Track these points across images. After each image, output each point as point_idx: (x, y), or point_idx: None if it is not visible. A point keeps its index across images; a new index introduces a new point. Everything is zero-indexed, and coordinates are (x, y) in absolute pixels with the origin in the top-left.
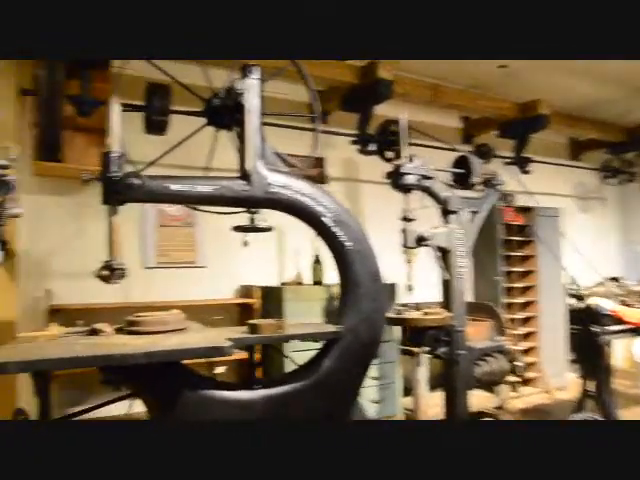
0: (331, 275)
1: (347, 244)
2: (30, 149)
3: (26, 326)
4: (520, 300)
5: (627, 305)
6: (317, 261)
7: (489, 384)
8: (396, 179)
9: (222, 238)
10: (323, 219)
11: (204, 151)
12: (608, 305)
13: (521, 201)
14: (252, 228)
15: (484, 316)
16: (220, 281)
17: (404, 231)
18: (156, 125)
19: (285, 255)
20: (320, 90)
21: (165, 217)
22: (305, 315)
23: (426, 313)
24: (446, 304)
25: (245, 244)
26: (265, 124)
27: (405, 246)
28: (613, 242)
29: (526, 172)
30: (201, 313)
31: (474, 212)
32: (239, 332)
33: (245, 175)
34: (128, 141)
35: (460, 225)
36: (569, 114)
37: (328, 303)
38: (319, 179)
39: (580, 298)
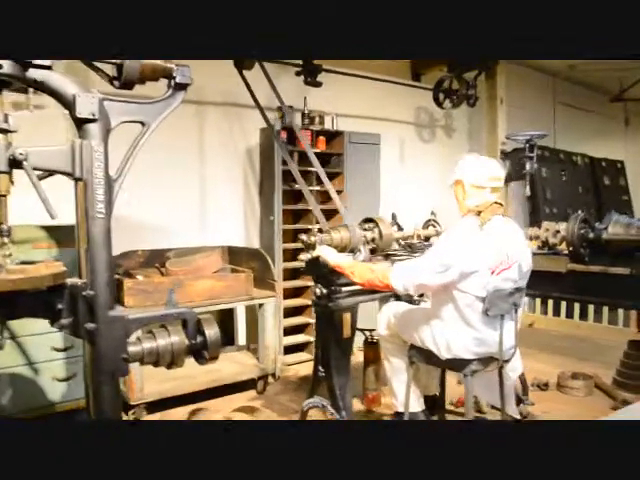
0: None
1: None
2: None
3: None
4: None
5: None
6: None
7: (159, 365)
8: None
9: None
10: None
11: None
12: (333, 256)
13: (328, 124)
14: None
15: (248, 266)
16: None
17: None
18: None
19: None
20: None
21: None
22: None
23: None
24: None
25: None
26: None
27: None
28: None
29: (316, 84)
30: None
31: (142, 123)
32: None
33: None
34: None
35: (101, 141)
36: None
37: None
38: None
39: (310, 247)
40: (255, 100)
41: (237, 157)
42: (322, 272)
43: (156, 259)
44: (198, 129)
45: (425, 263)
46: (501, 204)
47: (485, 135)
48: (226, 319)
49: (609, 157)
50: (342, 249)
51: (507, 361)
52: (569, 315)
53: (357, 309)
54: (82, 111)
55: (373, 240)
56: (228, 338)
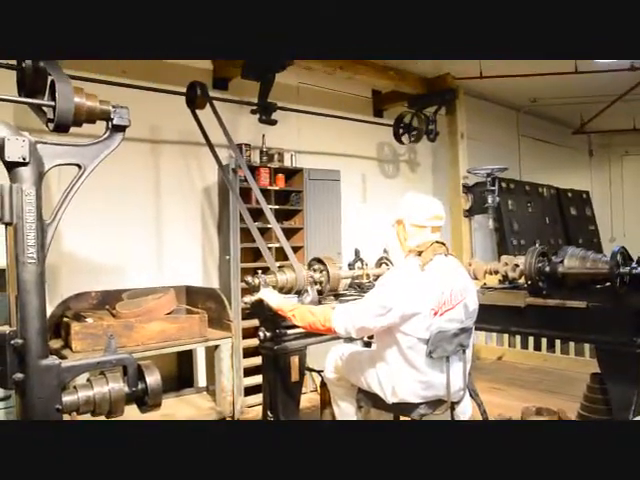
0: None
1: None
2: None
3: None
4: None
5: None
6: None
7: (97, 415)
8: None
9: None
10: None
11: None
12: (275, 299)
13: (287, 161)
14: None
15: (205, 306)
16: None
17: None
18: None
19: None
20: None
21: None
22: None
23: None
24: None
25: None
26: None
27: None
28: None
29: (271, 122)
30: None
31: (78, 166)
32: None
33: None
34: None
35: (32, 184)
36: (371, 62)
37: None
38: None
39: (254, 289)
40: (206, 138)
41: (195, 196)
42: (266, 315)
43: (110, 301)
44: (154, 168)
45: (365, 306)
46: (443, 243)
47: (447, 169)
48: (185, 360)
49: (575, 188)
50: (288, 290)
51: (457, 403)
52: (537, 347)
53: (305, 352)
54: (12, 155)
55: (321, 281)
56: (187, 380)
